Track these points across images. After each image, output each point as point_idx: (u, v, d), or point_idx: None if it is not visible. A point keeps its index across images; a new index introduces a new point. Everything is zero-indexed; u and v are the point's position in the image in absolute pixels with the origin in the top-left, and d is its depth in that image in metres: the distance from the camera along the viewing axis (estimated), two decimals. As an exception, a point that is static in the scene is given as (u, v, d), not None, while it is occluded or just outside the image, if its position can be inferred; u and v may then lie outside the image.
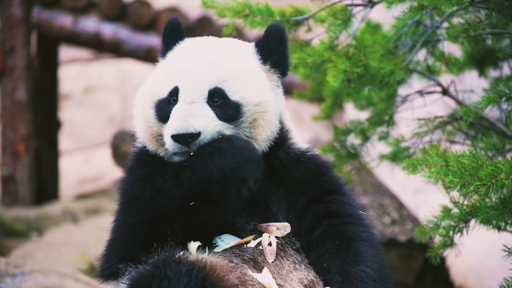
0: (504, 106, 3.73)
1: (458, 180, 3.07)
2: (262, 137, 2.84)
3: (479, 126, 3.95)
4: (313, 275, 2.80)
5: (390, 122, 4.29)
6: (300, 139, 3.06)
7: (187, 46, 2.98)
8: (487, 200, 3.25)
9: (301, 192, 2.91)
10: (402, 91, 4.24)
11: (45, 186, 10.30)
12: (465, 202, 3.40)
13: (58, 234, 6.79)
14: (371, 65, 3.63)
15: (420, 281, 5.67)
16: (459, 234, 3.42)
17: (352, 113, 5.91)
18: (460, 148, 3.44)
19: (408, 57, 3.77)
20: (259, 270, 2.74)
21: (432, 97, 4.11)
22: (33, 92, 9.81)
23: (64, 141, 12.89)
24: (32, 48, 9.92)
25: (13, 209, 8.98)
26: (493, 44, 4.01)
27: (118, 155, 7.63)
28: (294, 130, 3.05)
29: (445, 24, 3.77)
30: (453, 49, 3.89)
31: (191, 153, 2.74)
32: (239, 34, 3.56)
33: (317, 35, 3.83)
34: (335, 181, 2.97)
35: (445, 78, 4.05)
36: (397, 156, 4.14)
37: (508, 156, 3.26)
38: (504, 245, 3.24)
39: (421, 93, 4.11)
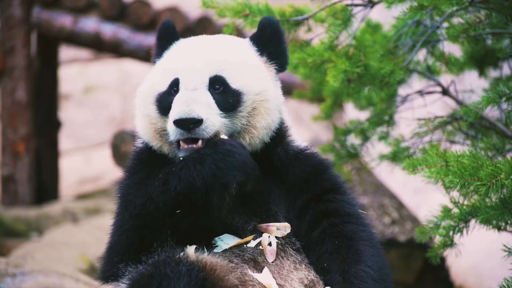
0: (504, 106, 3.73)
1: (458, 180, 3.07)
2: (262, 124, 2.84)
3: (479, 126, 3.95)
4: (313, 275, 2.80)
5: (390, 122, 4.29)
6: (299, 137, 3.06)
7: (184, 44, 3.00)
8: (487, 200, 3.25)
9: (300, 190, 2.91)
10: (402, 91, 4.24)
11: (45, 186, 10.30)
12: (465, 202, 3.40)
13: (58, 234, 6.79)
14: (371, 65, 3.63)
15: (420, 281, 5.67)
16: (459, 234, 3.42)
17: (352, 113, 5.91)
18: (460, 148, 3.44)
19: (408, 57, 3.77)
20: (259, 270, 2.74)
21: (432, 97, 4.11)
22: (33, 92, 9.81)
23: (64, 141, 12.89)
24: (32, 48, 9.92)
25: (13, 209, 8.98)
26: (493, 44, 4.01)
27: (118, 155, 7.63)
28: (293, 128, 3.06)
29: (445, 24, 3.77)
30: (453, 49, 3.89)
31: (185, 155, 2.75)
32: (239, 34, 3.56)
33: (317, 35, 3.83)
34: (334, 180, 2.97)
35: (445, 78, 4.05)
36: (397, 156, 4.14)
37: (508, 156, 3.26)
38: (504, 245, 3.24)
39: (421, 93, 4.11)
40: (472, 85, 4.26)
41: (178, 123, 2.72)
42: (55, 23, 9.72)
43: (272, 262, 2.77)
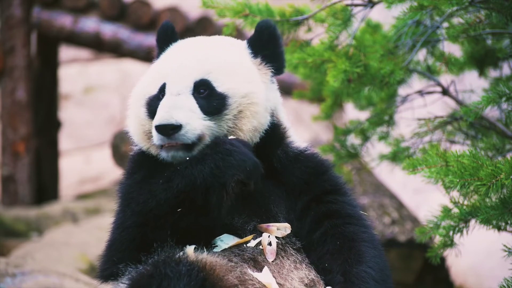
0: (504, 106, 3.73)
1: (458, 180, 3.07)
2: (248, 127, 2.84)
3: (479, 126, 3.95)
4: (313, 275, 2.80)
5: (390, 122, 4.29)
6: (298, 138, 3.06)
7: (178, 46, 3.02)
8: (487, 200, 3.25)
9: (301, 192, 2.91)
10: (402, 91, 4.24)
11: (45, 186, 10.30)
12: (465, 202, 3.40)
13: (58, 234, 6.79)
14: (371, 65, 3.63)
15: (420, 281, 5.67)
16: (459, 234, 3.42)
17: (352, 113, 5.91)
18: (460, 148, 3.44)
19: (408, 57, 3.77)
20: (259, 269, 2.74)
21: (432, 97, 4.11)
22: (33, 92, 9.81)
23: (64, 141, 12.89)
24: (32, 48, 9.92)
25: (13, 209, 8.98)
26: (493, 44, 4.01)
27: (118, 155, 7.63)
28: (292, 129, 3.06)
29: (445, 24, 3.77)
30: (453, 49, 3.89)
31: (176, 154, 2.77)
32: (239, 34, 3.56)
33: (317, 35, 3.83)
34: (335, 181, 2.97)
35: (445, 78, 4.05)
36: (397, 156, 4.14)
37: (508, 156, 3.26)
38: (504, 245, 3.24)
39: (421, 93, 4.11)
40: (472, 85, 4.26)
41: (158, 129, 2.76)
42: (55, 23, 9.72)
43: (272, 261, 2.77)
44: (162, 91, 2.87)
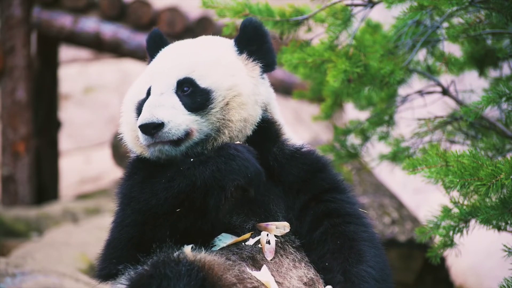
0: (504, 106, 3.73)
1: (458, 180, 3.06)
2: (237, 118, 2.86)
3: (479, 126, 3.95)
4: (313, 273, 2.80)
5: (390, 122, 4.29)
6: (294, 135, 3.06)
7: (165, 51, 3.06)
8: (487, 200, 3.25)
9: (299, 190, 2.92)
10: (402, 91, 4.24)
11: (45, 186, 10.30)
12: (465, 202, 3.40)
13: (58, 234, 6.79)
14: (371, 65, 3.63)
15: (420, 281, 5.67)
16: (459, 234, 3.42)
17: (352, 113, 5.91)
18: (460, 148, 3.44)
19: (408, 57, 3.77)
20: (258, 267, 2.74)
21: (432, 97, 4.11)
22: (33, 92, 9.81)
23: (64, 141, 12.89)
24: (32, 48, 9.92)
25: (13, 209, 8.98)
26: (493, 44, 4.01)
27: (118, 155, 7.64)
28: (287, 126, 3.07)
29: (445, 24, 3.77)
30: (453, 49, 3.89)
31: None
32: (239, 34, 3.55)
33: (317, 35, 3.83)
34: (332, 178, 2.97)
35: (445, 78, 4.05)
36: (397, 156, 4.14)
37: (508, 156, 3.26)
38: (504, 245, 3.24)
39: (421, 93, 4.11)
40: (472, 85, 4.26)
41: (141, 128, 2.78)
42: (55, 23, 9.72)
43: (271, 260, 2.77)
44: (148, 94, 2.91)
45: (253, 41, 2.99)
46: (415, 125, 4.05)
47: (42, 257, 5.28)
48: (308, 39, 3.85)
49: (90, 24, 9.70)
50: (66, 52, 13.45)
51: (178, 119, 2.79)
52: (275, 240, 2.80)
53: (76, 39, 9.87)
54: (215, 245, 2.78)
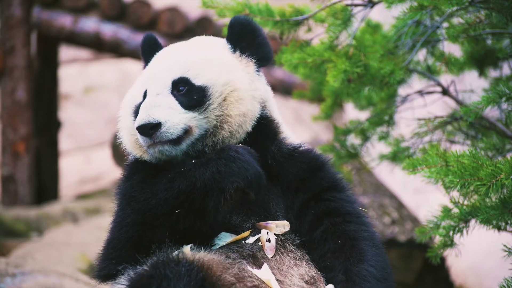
0: (504, 106, 3.73)
1: (458, 180, 3.06)
2: (235, 112, 2.86)
3: (479, 126, 3.95)
4: (314, 271, 2.80)
5: (390, 122, 4.29)
6: (292, 134, 3.06)
7: (159, 54, 3.08)
8: (487, 200, 3.25)
9: (297, 189, 2.92)
10: (402, 91, 4.24)
11: (45, 186, 10.30)
12: (465, 202, 3.40)
13: (58, 234, 6.80)
14: (371, 65, 3.62)
15: (420, 281, 5.67)
16: (459, 234, 3.42)
17: (352, 113, 5.91)
18: (460, 148, 3.44)
19: (408, 57, 3.77)
20: (259, 266, 2.73)
21: (432, 97, 4.11)
22: (33, 92, 9.81)
23: (64, 141, 12.89)
24: (32, 48, 9.92)
25: (13, 209, 8.98)
26: (493, 44, 4.01)
27: (118, 155, 7.63)
28: (284, 125, 3.06)
29: (445, 24, 3.77)
30: (453, 49, 3.89)
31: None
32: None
33: (317, 35, 3.83)
34: (331, 177, 2.97)
35: (445, 78, 4.05)
36: (397, 156, 4.14)
37: (508, 156, 3.26)
38: (504, 245, 3.24)
39: (421, 93, 4.11)
40: (472, 85, 4.26)
41: (138, 130, 2.79)
42: (55, 23, 9.72)
43: (272, 257, 2.77)
44: (145, 97, 2.91)
45: (243, 38, 3.00)
46: (415, 125, 4.05)
47: (42, 257, 5.28)
48: (308, 39, 3.85)
49: (90, 24, 9.71)
50: (66, 52, 13.45)
51: (175, 118, 2.80)
52: (275, 238, 2.80)
53: (76, 39, 9.87)
54: (215, 244, 2.78)
